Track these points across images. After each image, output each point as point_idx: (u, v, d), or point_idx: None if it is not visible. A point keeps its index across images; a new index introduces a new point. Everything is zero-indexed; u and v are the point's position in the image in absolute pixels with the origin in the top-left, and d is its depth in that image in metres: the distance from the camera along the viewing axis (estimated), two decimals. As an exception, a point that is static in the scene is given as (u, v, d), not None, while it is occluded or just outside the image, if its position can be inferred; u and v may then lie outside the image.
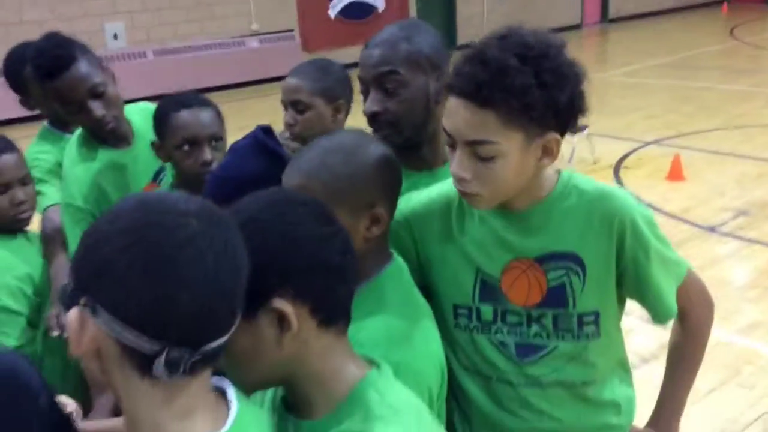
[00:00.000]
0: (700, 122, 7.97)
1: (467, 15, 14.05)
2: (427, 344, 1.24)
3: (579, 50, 14.07)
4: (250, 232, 0.93)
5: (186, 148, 1.77)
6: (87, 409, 1.67)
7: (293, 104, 1.86)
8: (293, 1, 12.28)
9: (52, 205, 2.05)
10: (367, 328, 1.13)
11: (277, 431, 1.00)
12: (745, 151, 6.85)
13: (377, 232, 1.24)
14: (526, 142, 1.21)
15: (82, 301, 0.81)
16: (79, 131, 2.06)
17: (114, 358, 0.82)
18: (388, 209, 1.26)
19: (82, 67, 1.89)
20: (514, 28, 1.23)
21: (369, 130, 1.49)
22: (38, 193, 1.98)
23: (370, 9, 13.15)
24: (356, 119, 1.68)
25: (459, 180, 1.25)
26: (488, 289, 1.37)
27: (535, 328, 1.36)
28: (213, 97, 1.94)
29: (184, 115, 1.78)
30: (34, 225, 1.97)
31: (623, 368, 1.50)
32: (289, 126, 1.86)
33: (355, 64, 1.58)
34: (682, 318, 1.46)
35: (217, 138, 1.81)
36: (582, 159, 6.59)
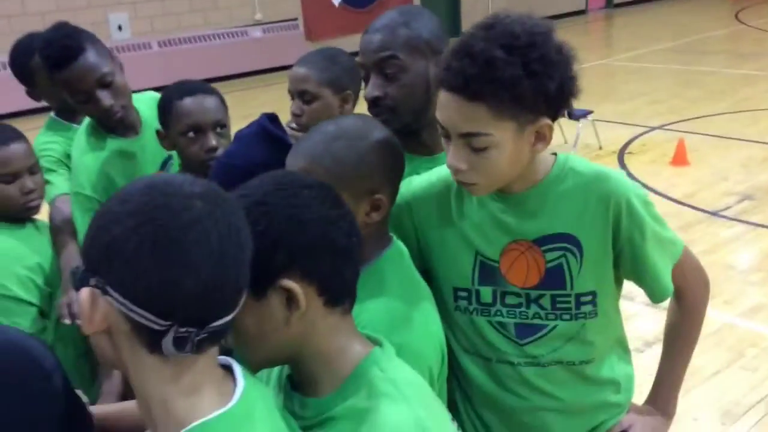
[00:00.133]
0: (705, 107, 7.95)
1: (471, 1, 13.99)
2: (427, 326, 1.27)
3: (584, 36, 14.03)
4: (260, 214, 0.96)
5: (191, 135, 1.79)
6: (93, 400, 1.69)
7: (300, 94, 1.85)
8: (296, -10, 12.26)
9: (60, 194, 2.08)
10: (368, 310, 1.16)
11: (282, 408, 1.02)
12: (750, 135, 6.84)
13: (377, 218, 1.26)
14: (519, 130, 1.23)
15: (93, 281, 0.84)
16: (87, 121, 2.08)
17: (124, 335, 0.85)
18: (389, 196, 1.29)
19: (91, 57, 1.91)
20: (499, 17, 1.23)
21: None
22: (46, 182, 2.00)
23: (374, -4, 13.10)
24: (361, 107, 1.70)
25: (455, 171, 1.28)
26: (487, 272, 1.39)
27: (534, 308, 1.39)
28: (217, 86, 1.95)
29: (188, 103, 1.80)
30: (43, 214, 2.00)
31: (622, 347, 1.52)
32: (295, 116, 1.85)
33: (356, 53, 1.60)
34: (679, 296, 1.48)
35: (222, 125, 1.83)
36: (586, 145, 6.59)
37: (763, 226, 4.93)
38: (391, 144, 1.30)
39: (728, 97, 8.30)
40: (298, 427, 0.99)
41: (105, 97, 1.94)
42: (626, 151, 6.64)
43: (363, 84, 1.58)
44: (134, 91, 2.10)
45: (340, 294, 1.02)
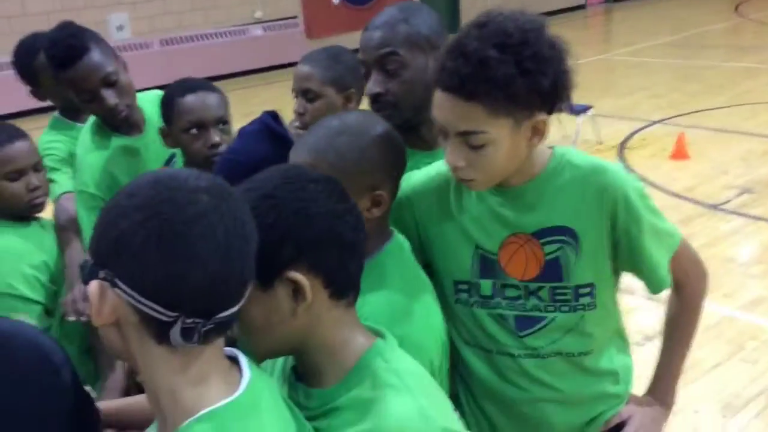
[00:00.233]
0: (705, 100, 7.95)
1: (470, -2, 13.99)
2: (428, 318, 1.29)
3: (583, 30, 14.02)
4: (268, 207, 0.99)
5: (194, 131, 1.81)
6: (96, 397, 1.71)
7: (303, 92, 1.84)
8: (296, -13, 12.26)
9: (64, 192, 2.09)
10: (370, 303, 1.17)
11: (287, 398, 1.04)
12: (750, 128, 6.84)
13: (377, 213, 1.28)
14: (515, 126, 1.25)
15: (102, 274, 0.86)
16: (91, 119, 2.10)
17: (132, 327, 0.87)
18: (390, 192, 1.31)
19: (96, 56, 1.93)
20: (492, 15, 1.25)
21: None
22: (50, 181, 2.02)
23: (373, -6, 13.10)
24: (366, 105, 1.71)
25: (454, 168, 1.30)
26: (487, 265, 1.41)
27: (533, 301, 1.41)
28: (218, 85, 1.97)
29: (191, 100, 1.82)
30: (47, 213, 2.01)
31: (620, 338, 1.54)
32: (299, 115, 1.85)
33: (357, 50, 1.61)
34: (677, 288, 1.50)
35: (224, 121, 1.85)
36: (586, 140, 6.60)
37: (762, 219, 4.94)
38: (394, 140, 1.32)
39: (728, 91, 8.30)
40: (303, 417, 1.01)
41: (110, 96, 1.96)
42: (626, 146, 6.65)
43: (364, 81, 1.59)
44: (136, 91, 2.11)
45: (345, 287, 1.04)
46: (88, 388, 1.41)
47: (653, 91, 8.59)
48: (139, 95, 2.09)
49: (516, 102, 1.21)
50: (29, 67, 2.29)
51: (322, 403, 1.02)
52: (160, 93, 2.09)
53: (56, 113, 2.36)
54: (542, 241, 1.37)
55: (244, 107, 5.55)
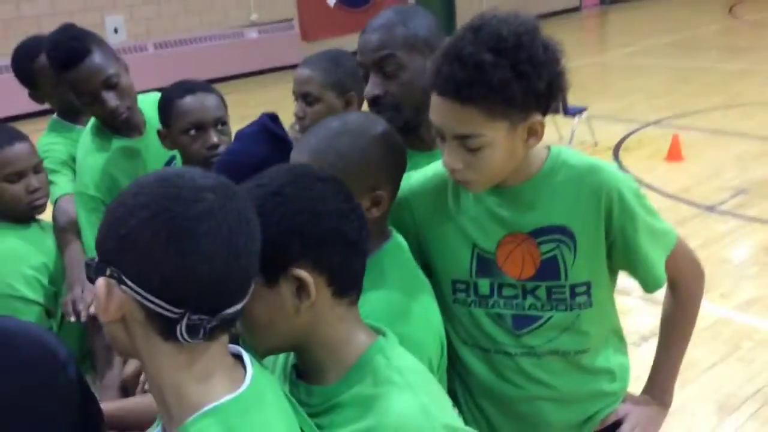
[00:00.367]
0: (700, 102, 7.99)
1: (466, 0, 14.02)
2: (427, 317, 1.30)
3: (578, 32, 14.07)
4: (275, 204, 1.00)
5: (192, 132, 1.82)
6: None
7: (303, 96, 1.84)
8: (292, -10, 12.28)
9: (64, 194, 2.10)
10: (369, 302, 1.18)
11: (288, 394, 1.05)
12: (744, 129, 6.88)
13: (377, 213, 1.29)
14: (511, 128, 1.26)
15: (108, 271, 0.87)
16: (92, 122, 2.11)
17: (139, 324, 0.88)
18: (389, 192, 1.32)
19: (97, 58, 1.95)
20: (486, 18, 1.25)
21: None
22: (50, 183, 2.02)
23: (369, -4, 13.13)
24: (364, 107, 1.71)
25: (452, 171, 1.31)
26: (484, 264, 1.42)
27: (530, 299, 1.42)
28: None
29: (189, 101, 1.83)
30: (47, 215, 2.02)
31: (617, 337, 1.55)
32: (299, 118, 1.85)
33: (355, 53, 1.62)
34: (673, 287, 1.51)
35: (223, 122, 1.87)
36: (582, 141, 6.63)
37: (757, 220, 4.96)
38: (394, 141, 1.34)
39: (722, 93, 8.34)
40: (305, 413, 1.02)
41: (111, 98, 1.97)
42: (622, 147, 6.68)
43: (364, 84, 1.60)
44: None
45: (348, 285, 1.06)
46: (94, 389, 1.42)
47: (649, 93, 8.62)
48: (139, 97, 2.10)
49: (512, 105, 1.23)
50: (29, 70, 2.29)
51: (324, 400, 1.04)
52: (159, 95, 2.10)
53: (55, 116, 2.37)
54: (539, 240, 1.39)
55: (240, 110, 5.55)
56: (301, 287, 1.00)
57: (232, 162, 1.63)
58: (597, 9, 16.95)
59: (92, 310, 1.77)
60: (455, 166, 1.29)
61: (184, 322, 0.86)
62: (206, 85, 1.91)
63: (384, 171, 1.30)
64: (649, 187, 5.50)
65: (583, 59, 10.44)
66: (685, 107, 7.82)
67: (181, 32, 11.13)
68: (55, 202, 2.09)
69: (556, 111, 1.32)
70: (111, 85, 1.97)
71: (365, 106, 1.64)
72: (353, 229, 1.04)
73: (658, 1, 16.88)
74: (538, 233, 1.38)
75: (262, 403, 0.92)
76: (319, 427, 1.02)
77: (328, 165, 1.23)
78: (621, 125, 7.27)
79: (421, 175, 1.48)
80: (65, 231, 1.99)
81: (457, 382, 1.50)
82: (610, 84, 9.27)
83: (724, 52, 10.94)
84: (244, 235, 0.89)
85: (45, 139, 2.28)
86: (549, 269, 1.39)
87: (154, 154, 2.08)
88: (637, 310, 3.60)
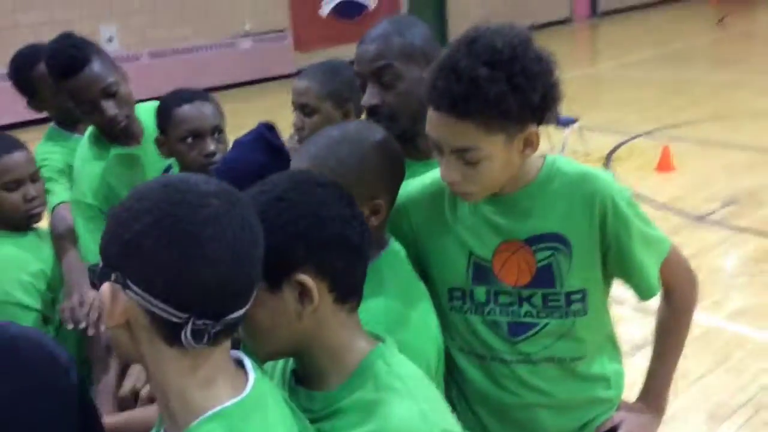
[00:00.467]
0: (690, 113, 8.05)
1: (458, 11, 14.10)
2: (425, 324, 1.31)
3: (569, 44, 14.17)
4: (280, 209, 1.01)
5: (190, 140, 1.83)
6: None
7: (301, 107, 1.85)
8: (285, 1, 12.32)
9: (61, 202, 2.11)
10: (367, 309, 1.18)
11: (288, 400, 1.06)
12: (733, 140, 6.94)
13: (375, 222, 1.30)
14: (508, 140, 1.27)
15: (113, 276, 0.88)
16: (90, 130, 2.12)
17: (143, 329, 0.89)
18: (388, 201, 1.34)
19: (96, 67, 1.95)
20: (480, 30, 1.26)
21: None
22: (47, 191, 2.03)
23: (362, 8, 13.21)
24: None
25: (450, 183, 1.33)
26: (481, 271, 1.44)
27: (526, 307, 1.43)
28: (208, 98, 1.99)
29: (187, 109, 1.84)
30: (43, 223, 2.02)
31: (612, 344, 1.56)
32: (298, 129, 1.86)
33: (353, 62, 1.64)
34: (667, 294, 1.53)
35: (220, 130, 1.88)
36: (573, 151, 6.66)
37: (747, 230, 5.00)
38: (393, 149, 1.35)
39: (712, 104, 8.42)
40: (306, 418, 1.03)
41: (110, 107, 1.98)
42: (612, 158, 6.72)
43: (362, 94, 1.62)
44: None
45: (349, 291, 1.07)
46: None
47: (639, 104, 8.69)
48: (137, 106, 2.11)
49: (508, 118, 1.24)
50: (28, 78, 2.30)
51: (326, 405, 1.05)
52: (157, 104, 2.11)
53: (52, 124, 2.38)
54: (534, 247, 1.40)
55: (233, 119, 5.55)
56: (303, 292, 1.01)
57: (229, 170, 1.64)
58: (588, 21, 17.08)
59: (91, 317, 1.77)
60: (454, 179, 1.31)
61: (189, 326, 0.87)
62: (204, 94, 1.93)
63: (383, 179, 1.32)
64: (640, 197, 5.53)
65: (574, 70, 10.51)
66: (675, 118, 7.88)
67: (175, 42, 11.15)
68: (53, 211, 2.09)
69: (548, 121, 1.34)
70: (110, 93, 1.98)
71: (363, 117, 1.65)
72: (356, 235, 1.06)
73: (648, 13, 17.04)
74: (533, 241, 1.40)
75: (264, 407, 0.93)
76: None
77: (329, 172, 1.24)
78: (612, 136, 7.32)
79: (418, 183, 1.50)
80: (63, 239, 1.99)
81: (454, 389, 1.51)
82: (600, 95, 9.34)
83: (713, 63, 11.05)
84: (248, 240, 0.90)
85: (42, 147, 2.28)
86: (544, 276, 1.41)
87: (152, 162, 2.09)
88: (629, 320, 3.62)
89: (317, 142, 1.32)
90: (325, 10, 12.81)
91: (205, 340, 0.89)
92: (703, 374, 3.40)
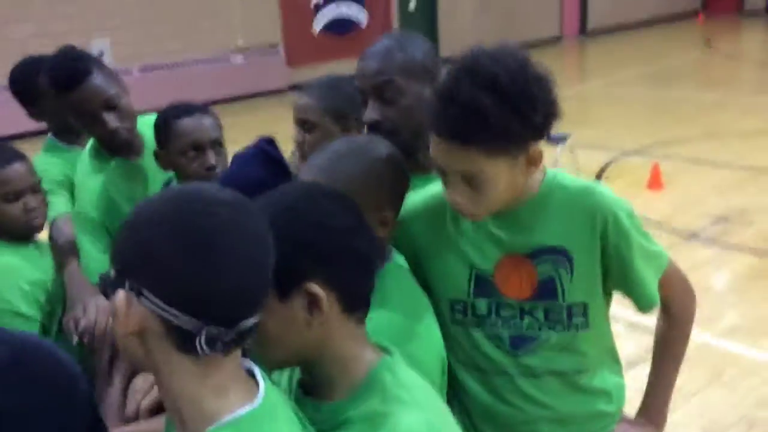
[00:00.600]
0: (679, 131, 8.13)
1: (449, 29, 14.20)
2: (429, 336, 1.32)
3: (559, 62, 14.28)
4: (290, 219, 1.02)
5: (190, 153, 1.83)
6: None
7: (302, 123, 1.84)
8: (278, 16, 12.37)
9: (60, 214, 2.10)
10: (371, 322, 1.18)
11: (296, 409, 1.06)
12: (722, 158, 7.00)
13: (383, 234, 1.31)
14: (512, 161, 1.29)
15: (127, 284, 0.88)
16: (90, 143, 2.12)
17: (156, 337, 0.89)
18: (393, 213, 1.34)
19: (98, 79, 1.96)
20: (477, 55, 1.26)
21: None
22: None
23: (354, 24, 13.28)
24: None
25: (455, 205, 1.33)
26: (483, 285, 1.44)
27: (527, 320, 1.44)
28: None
29: (187, 122, 1.85)
30: (43, 235, 2.01)
31: (613, 357, 1.57)
32: (299, 144, 1.85)
33: (353, 77, 1.65)
34: (666, 308, 1.54)
35: (219, 143, 1.88)
36: (565, 169, 6.69)
37: (738, 247, 5.04)
38: (398, 162, 1.36)
39: (699, 122, 8.50)
40: (314, 430, 1.03)
41: (111, 120, 1.97)
42: (603, 176, 6.76)
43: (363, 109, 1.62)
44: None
45: (357, 302, 1.07)
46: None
47: (628, 122, 8.76)
48: (138, 119, 2.11)
49: (511, 141, 1.26)
50: (28, 89, 2.30)
51: (333, 416, 1.05)
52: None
53: (50, 135, 2.37)
54: (535, 261, 1.41)
55: (226, 134, 5.54)
56: (312, 302, 1.02)
57: (229, 184, 1.63)
58: (577, 39, 17.25)
59: (97, 329, 1.75)
60: (459, 202, 1.32)
61: (203, 334, 0.88)
62: (203, 107, 1.93)
63: (389, 191, 1.33)
64: (631, 214, 5.55)
65: (563, 89, 10.48)
66: (664, 136, 7.95)
67: (167, 56, 11.15)
68: (52, 223, 2.08)
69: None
70: (111, 106, 1.98)
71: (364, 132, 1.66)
72: (364, 246, 1.06)
73: (636, 32, 17.22)
74: (535, 254, 1.41)
75: (275, 417, 0.93)
76: None
77: (336, 184, 1.24)
78: (602, 154, 7.37)
79: (420, 196, 1.50)
80: (63, 251, 1.98)
81: (456, 404, 1.51)
82: (590, 114, 9.40)
83: (702, 82, 11.17)
84: (260, 248, 0.91)
85: (41, 159, 2.28)
86: (546, 290, 1.42)
87: (153, 175, 2.08)
88: (623, 336, 3.63)
89: (323, 156, 1.33)
90: (318, 26, 12.88)
91: (219, 347, 0.89)
92: (697, 390, 3.41)
